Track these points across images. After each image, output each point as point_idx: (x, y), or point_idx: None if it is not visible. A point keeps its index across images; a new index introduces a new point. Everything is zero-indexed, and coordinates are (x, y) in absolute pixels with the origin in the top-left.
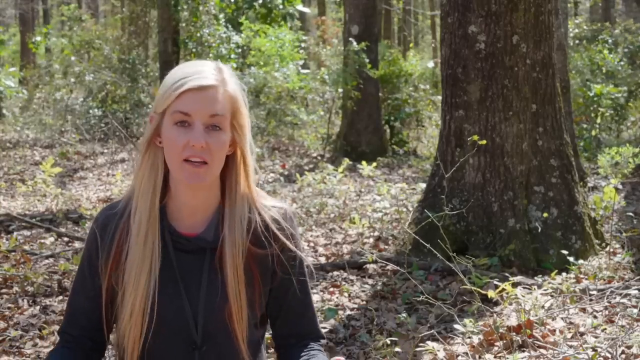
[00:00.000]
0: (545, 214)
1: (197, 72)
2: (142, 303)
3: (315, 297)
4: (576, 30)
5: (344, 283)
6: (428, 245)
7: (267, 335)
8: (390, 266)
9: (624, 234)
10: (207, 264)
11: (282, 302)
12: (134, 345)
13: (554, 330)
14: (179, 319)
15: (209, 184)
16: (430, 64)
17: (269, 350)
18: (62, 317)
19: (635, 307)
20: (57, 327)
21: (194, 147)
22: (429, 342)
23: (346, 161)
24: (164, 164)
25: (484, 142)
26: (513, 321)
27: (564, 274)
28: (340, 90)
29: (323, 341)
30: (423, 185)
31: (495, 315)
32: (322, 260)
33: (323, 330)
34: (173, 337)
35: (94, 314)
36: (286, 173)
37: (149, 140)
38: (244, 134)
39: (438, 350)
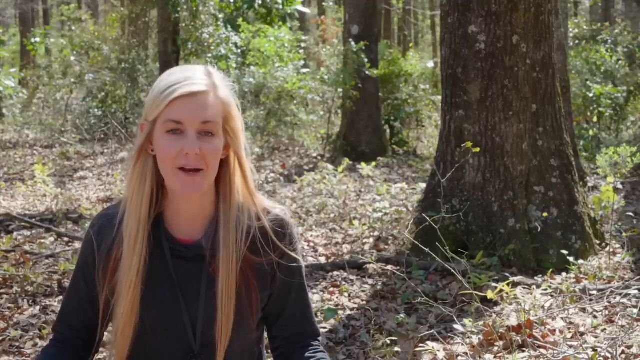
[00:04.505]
0: (545, 214)
1: (186, 78)
2: (131, 313)
3: (315, 297)
4: (576, 30)
5: (344, 283)
6: (427, 250)
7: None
8: (390, 266)
9: (624, 234)
10: (205, 271)
11: (285, 305)
12: (123, 353)
13: (554, 330)
14: (177, 327)
15: (204, 191)
16: (430, 64)
17: (269, 351)
18: None
19: (635, 307)
20: None
21: (187, 155)
22: (429, 342)
23: (346, 161)
24: (156, 172)
25: (477, 149)
26: (513, 321)
27: (564, 274)
28: (339, 90)
29: (320, 339)
30: (423, 185)
31: (495, 315)
32: (322, 260)
33: (323, 330)
34: (171, 344)
35: (85, 316)
36: (286, 173)
37: (140, 148)
38: (238, 138)
39: (438, 350)
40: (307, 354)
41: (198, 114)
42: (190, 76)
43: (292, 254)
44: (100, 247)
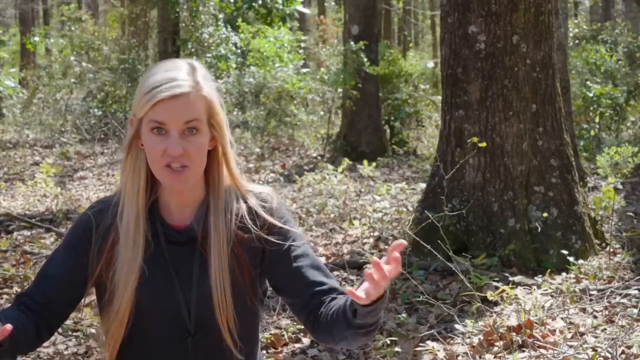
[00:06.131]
0: (545, 214)
1: (170, 79)
2: (129, 302)
3: None
4: (576, 30)
5: (344, 283)
6: (428, 247)
7: (268, 335)
8: None
9: (624, 234)
10: (197, 253)
11: (289, 272)
12: (115, 344)
13: (554, 330)
14: (173, 308)
15: (192, 184)
16: (430, 64)
17: (270, 350)
18: None
19: (635, 307)
20: None
21: (172, 154)
22: (429, 342)
23: (346, 161)
24: (148, 164)
25: (484, 144)
26: (513, 321)
27: (564, 274)
28: (339, 90)
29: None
30: (423, 185)
31: (495, 315)
32: (322, 260)
33: None
34: (167, 326)
35: (64, 289)
36: (286, 173)
37: (130, 142)
38: (223, 131)
39: (438, 350)
40: (330, 303)
41: (181, 115)
42: (174, 77)
43: (281, 226)
44: (98, 227)
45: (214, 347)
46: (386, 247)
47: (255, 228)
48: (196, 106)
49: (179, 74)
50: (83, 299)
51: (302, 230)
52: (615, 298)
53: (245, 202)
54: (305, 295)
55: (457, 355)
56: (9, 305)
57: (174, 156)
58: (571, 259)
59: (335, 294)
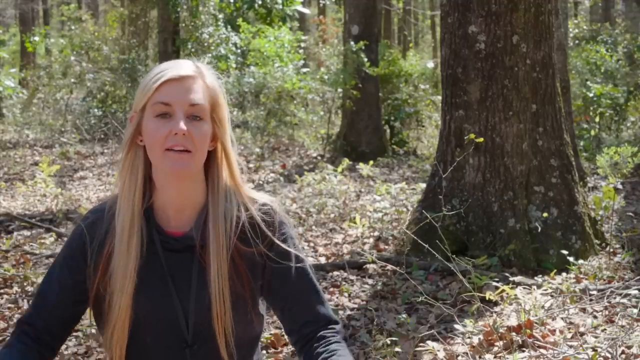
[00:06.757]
0: (545, 214)
1: (174, 65)
2: (128, 307)
3: None
4: (576, 31)
5: (344, 283)
6: (427, 246)
7: (268, 335)
8: (390, 266)
9: (624, 234)
10: (196, 262)
11: (285, 294)
12: (121, 349)
13: (554, 330)
14: (171, 318)
15: (193, 178)
16: (430, 64)
17: (270, 350)
18: None
19: (635, 307)
20: None
21: (176, 135)
22: (429, 342)
23: (346, 161)
24: (146, 164)
25: (482, 139)
26: (513, 321)
27: (564, 274)
28: (339, 90)
29: (338, 326)
30: (423, 185)
31: (495, 315)
32: (322, 260)
33: None
34: (165, 336)
35: (62, 309)
36: (286, 173)
37: (130, 139)
38: (224, 128)
39: (438, 350)
40: (318, 349)
41: (186, 96)
42: (179, 64)
43: (281, 243)
44: (92, 241)
45: (213, 357)
46: (386, 247)
47: (257, 241)
48: (201, 92)
49: (183, 63)
50: (89, 312)
51: (302, 230)
52: (615, 298)
53: (247, 210)
54: (298, 322)
55: (457, 355)
56: (11, 334)
57: (178, 136)
58: (571, 259)
59: (327, 328)
